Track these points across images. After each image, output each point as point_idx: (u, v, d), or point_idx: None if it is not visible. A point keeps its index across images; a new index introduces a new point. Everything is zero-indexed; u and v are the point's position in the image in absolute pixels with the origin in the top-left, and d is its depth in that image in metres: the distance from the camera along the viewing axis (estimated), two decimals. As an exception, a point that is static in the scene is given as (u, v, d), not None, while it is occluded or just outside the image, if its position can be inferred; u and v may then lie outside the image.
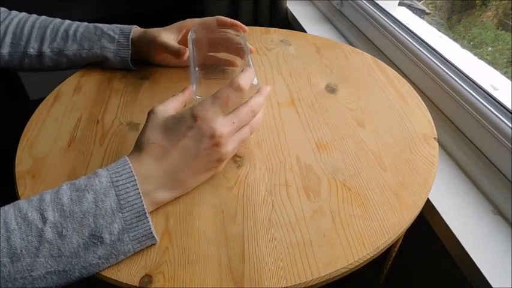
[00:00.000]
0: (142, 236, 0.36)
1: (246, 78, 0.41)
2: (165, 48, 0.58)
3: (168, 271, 0.35)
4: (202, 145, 0.39)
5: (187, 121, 0.39)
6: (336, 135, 0.51)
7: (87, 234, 0.34)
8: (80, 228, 0.34)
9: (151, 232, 0.36)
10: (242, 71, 0.42)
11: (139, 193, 0.36)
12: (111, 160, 0.47)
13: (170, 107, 0.42)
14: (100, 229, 0.34)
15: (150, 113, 0.41)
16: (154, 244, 0.37)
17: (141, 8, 1.43)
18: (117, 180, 0.36)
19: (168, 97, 0.44)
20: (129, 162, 0.37)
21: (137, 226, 0.36)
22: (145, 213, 0.36)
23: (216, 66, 0.61)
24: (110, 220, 0.34)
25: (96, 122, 0.53)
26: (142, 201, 0.36)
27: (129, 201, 0.35)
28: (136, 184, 0.36)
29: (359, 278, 0.55)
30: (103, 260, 0.35)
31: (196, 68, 0.49)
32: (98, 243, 0.34)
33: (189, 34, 0.56)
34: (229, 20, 0.59)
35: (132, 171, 0.36)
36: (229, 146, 0.41)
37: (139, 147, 0.39)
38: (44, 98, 0.57)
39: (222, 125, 0.39)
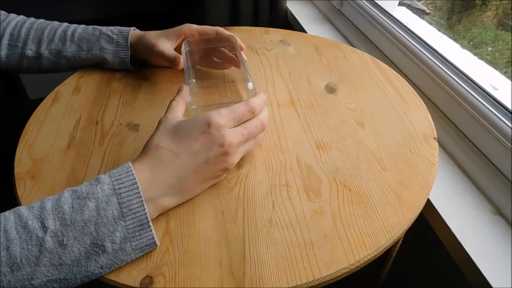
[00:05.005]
0: (145, 246, 0.36)
1: (258, 104, 0.43)
2: (162, 56, 0.59)
3: (168, 272, 0.35)
4: (212, 152, 0.39)
5: (200, 126, 0.39)
6: (336, 135, 0.51)
7: (88, 243, 0.33)
8: (81, 236, 0.33)
9: (155, 241, 0.36)
10: (255, 95, 0.44)
11: (142, 201, 0.35)
12: (111, 161, 0.46)
13: (179, 114, 0.42)
14: (102, 238, 0.33)
15: (161, 120, 0.41)
16: (155, 246, 0.37)
17: (141, 8, 1.43)
18: (120, 188, 0.35)
19: (168, 99, 0.44)
20: (132, 168, 0.36)
21: (140, 235, 0.35)
22: (148, 221, 0.35)
23: (211, 73, 0.61)
24: (112, 228, 0.34)
25: (95, 122, 0.52)
26: (145, 209, 0.35)
27: (131, 210, 0.35)
28: (139, 192, 0.35)
29: (359, 278, 0.55)
30: (105, 269, 0.34)
31: (192, 79, 0.49)
32: (100, 252, 0.33)
33: (183, 47, 0.56)
34: (227, 34, 0.60)
35: (135, 179, 0.35)
36: (236, 157, 0.42)
37: (147, 151, 0.39)
38: (44, 97, 0.57)
39: (232, 134, 0.40)
